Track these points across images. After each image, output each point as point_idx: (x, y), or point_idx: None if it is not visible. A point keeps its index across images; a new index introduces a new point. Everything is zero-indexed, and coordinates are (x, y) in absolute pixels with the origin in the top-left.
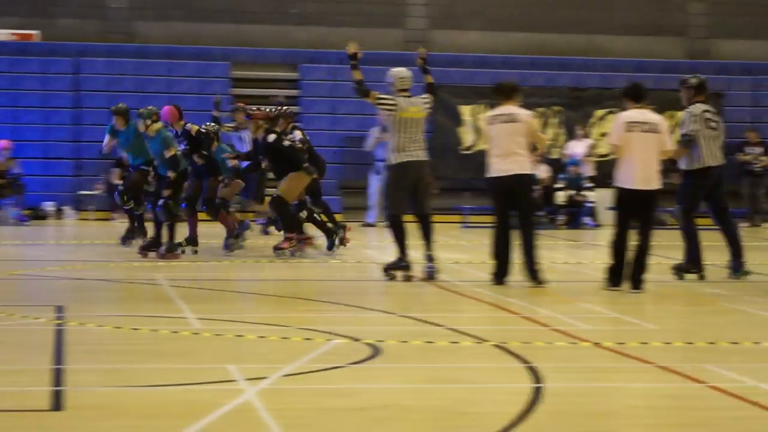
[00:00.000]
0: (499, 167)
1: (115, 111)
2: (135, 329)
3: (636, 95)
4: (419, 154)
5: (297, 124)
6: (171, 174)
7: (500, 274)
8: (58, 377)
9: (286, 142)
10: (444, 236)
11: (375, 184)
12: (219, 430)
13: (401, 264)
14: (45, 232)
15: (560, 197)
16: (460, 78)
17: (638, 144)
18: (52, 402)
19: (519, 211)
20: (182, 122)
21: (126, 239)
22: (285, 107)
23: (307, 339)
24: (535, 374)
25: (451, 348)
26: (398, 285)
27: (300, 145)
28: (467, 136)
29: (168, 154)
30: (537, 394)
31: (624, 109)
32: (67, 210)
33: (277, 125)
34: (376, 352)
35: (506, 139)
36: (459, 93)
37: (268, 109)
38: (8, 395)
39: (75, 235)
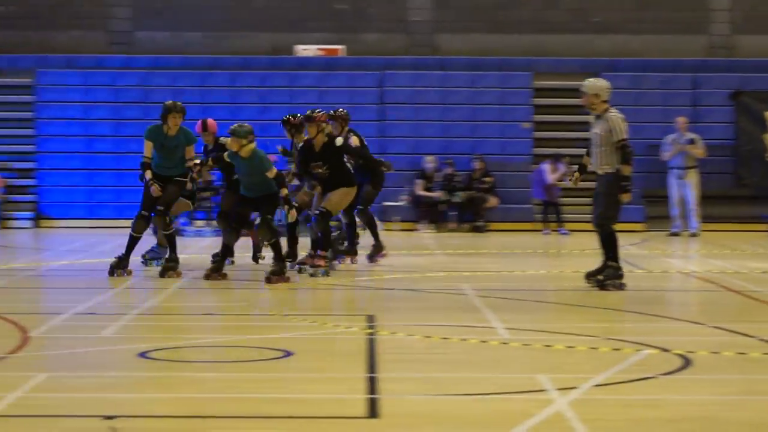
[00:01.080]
0: None
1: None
2: (444, 338)
3: None
4: None
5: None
6: (284, 192)
7: None
8: (372, 385)
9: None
10: (751, 245)
11: (675, 193)
12: None
13: (619, 273)
14: None
15: None
16: (767, 83)
17: None
18: (368, 409)
19: None
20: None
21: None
22: (340, 109)
23: (616, 349)
24: None
25: (764, 359)
26: (701, 294)
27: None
28: None
29: (271, 175)
30: None
31: None
32: None
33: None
34: (687, 363)
35: None
36: (765, 99)
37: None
38: (327, 402)
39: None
